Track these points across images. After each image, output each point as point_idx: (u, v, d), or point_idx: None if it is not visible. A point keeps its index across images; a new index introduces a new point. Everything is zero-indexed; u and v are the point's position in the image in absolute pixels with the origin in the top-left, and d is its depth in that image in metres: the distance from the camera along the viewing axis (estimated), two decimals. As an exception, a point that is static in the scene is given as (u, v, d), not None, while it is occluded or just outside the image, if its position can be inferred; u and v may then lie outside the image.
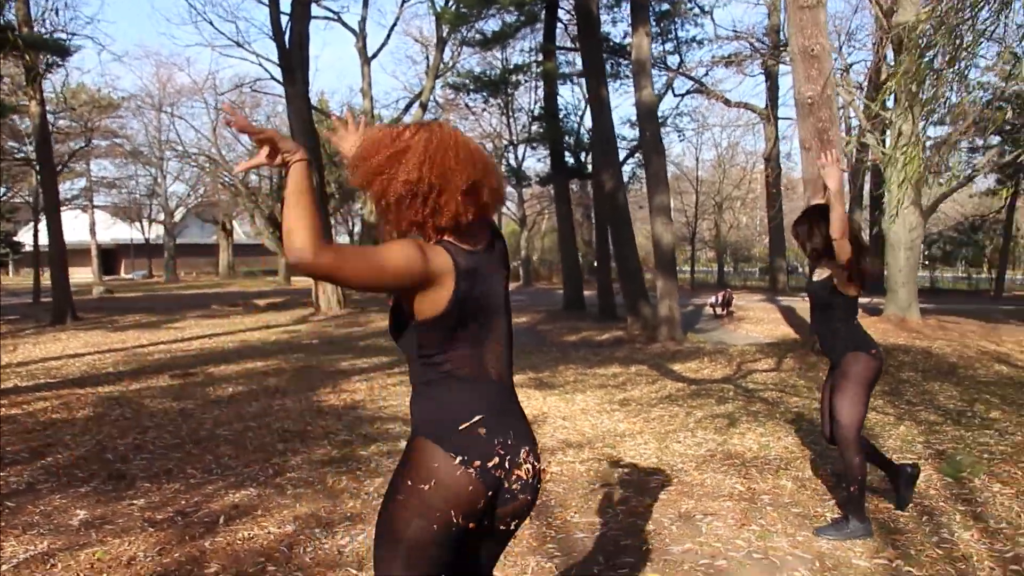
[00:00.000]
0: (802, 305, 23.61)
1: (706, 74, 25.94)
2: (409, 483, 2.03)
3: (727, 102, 27.80)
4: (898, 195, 16.85)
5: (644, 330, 15.37)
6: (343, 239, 40.31)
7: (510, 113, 30.80)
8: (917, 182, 18.27)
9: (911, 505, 4.61)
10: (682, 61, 24.59)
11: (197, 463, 5.83)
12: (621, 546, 4.18)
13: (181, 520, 4.57)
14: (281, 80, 20.98)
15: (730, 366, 11.43)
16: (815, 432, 6.80)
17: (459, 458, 2.01)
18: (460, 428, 2.03)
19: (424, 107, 25.84)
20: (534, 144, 22.37)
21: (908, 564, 3.88)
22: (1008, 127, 22.33)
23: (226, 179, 38.32)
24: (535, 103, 28.83)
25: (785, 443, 6.45)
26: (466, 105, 29.04)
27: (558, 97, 22.23)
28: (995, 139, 23.22)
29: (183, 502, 4.90)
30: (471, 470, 2.00)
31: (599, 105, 15.47)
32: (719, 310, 20.48)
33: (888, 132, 17.22)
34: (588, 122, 20.01)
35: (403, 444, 6.03)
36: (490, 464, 2.03)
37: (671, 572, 3.82)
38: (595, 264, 23.52)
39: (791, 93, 12.59)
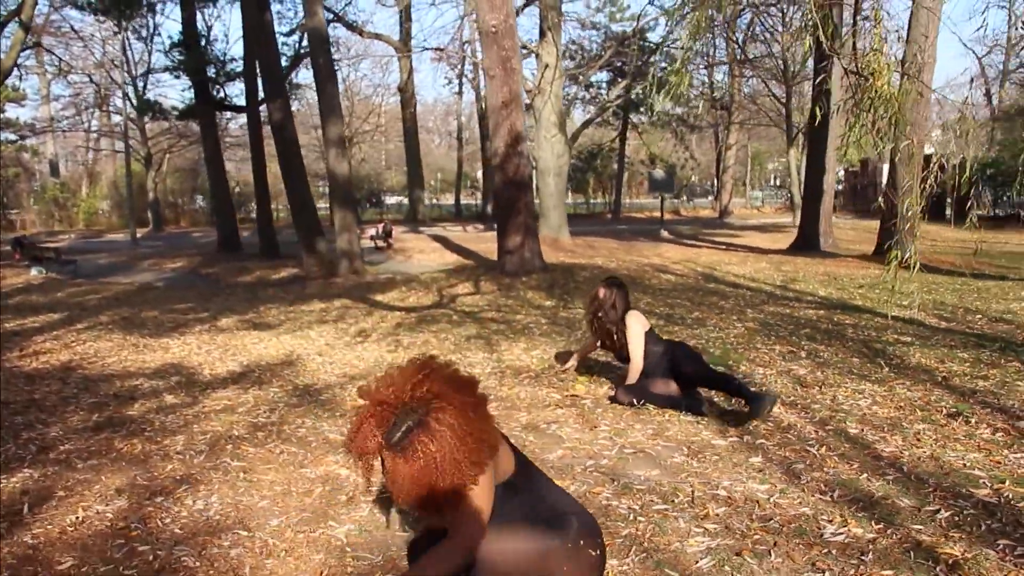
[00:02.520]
0: (451, 234, 24.67)
1: (348, 4, 25.44)
2: None
3: (361, 32, 27.57)
4: (546, 123, 18.20)
5: (322, 265, 15.04)
6: None
7: (137, 39, 27.63)
8: (561, 112, 19.88)
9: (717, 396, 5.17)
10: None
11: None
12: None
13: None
14: None
15: (432, 293, 11.68)
16: (570, 343, 7.29)
17: None
18: None
19: (27, 28, 22.00)
20: (176, 74, 20.31)
21: (753, 437, 4.40)
22: (620, 64, 25.00)
23: None
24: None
25: (555, 354, 6.82)
26: (71, 28, 25.43)
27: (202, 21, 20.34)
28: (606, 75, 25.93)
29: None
30: None
31: (263, 31, 14.53)
32: (380, 242, 20.64)
33: (536, 66, 18.37)
34: (237, 50, 18.61)
35: (167, 399, 5.46)
36: None
37: (568, 476, 3.92)
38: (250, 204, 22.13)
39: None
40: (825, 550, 3.05)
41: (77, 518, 3.62)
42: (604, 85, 28.65)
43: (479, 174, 57.90)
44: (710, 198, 47.73)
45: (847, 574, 2.87)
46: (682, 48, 6.19)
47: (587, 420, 4.85)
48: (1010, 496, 3.50)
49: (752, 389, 4.85)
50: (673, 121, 33.13)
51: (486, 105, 13.11)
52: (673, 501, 3.57)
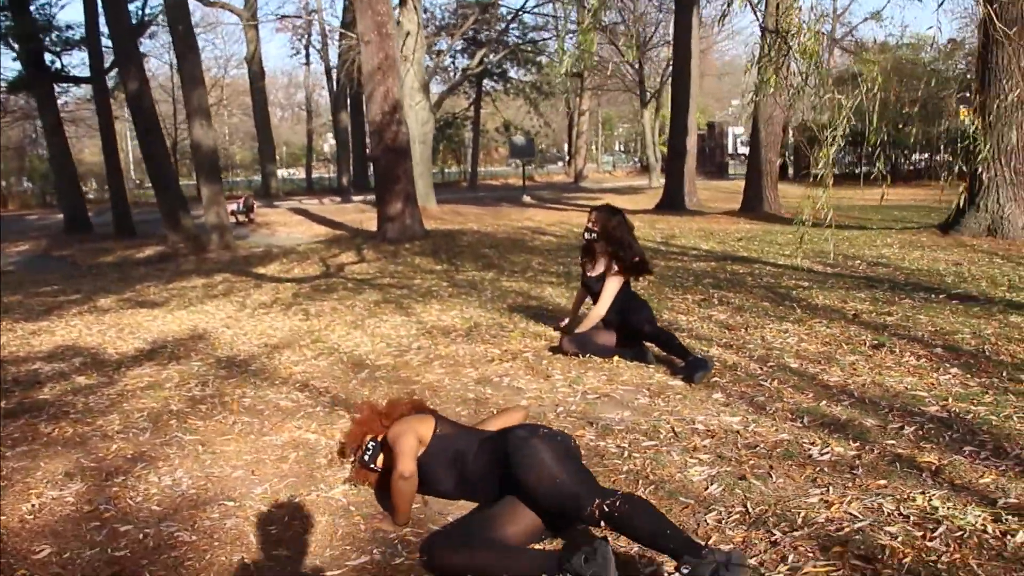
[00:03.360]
0: (310, 207, 24.05)
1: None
2: None
3: (207, 2, 26.21)
4: (410, 91, 17.95)
5: (188, 241, 14.35)
6: None
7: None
8: (424, 80, 19.66)
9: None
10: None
11: None
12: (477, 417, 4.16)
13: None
14: None
15: (315, 263, 11.39)
16: (483, 302, 7.30)
17: None
18: None
19: None
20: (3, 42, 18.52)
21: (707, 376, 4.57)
22: (474, 32, 24.93)
23: None
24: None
25: (475, 313, 6.82)
26: None
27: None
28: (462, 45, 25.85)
29: None
30: None
31: (111, -9, 13.54)
32: (242, 217, 19.88)
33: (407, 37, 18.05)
34: (74, 15, 17.18)
35: (79, 380, 5.10)
36: None
37: (543, 421, 3.94)
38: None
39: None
40: (818, 468, 3.22)
41: (33, 505, 3.35)
42: (457, 54, 28.52)
43: (326, 147, 56.62)
44: (559, 164, 48.62)
45: (847, 486, 3.04)
46: (590, 7, 6.22)
47: (537, 371, 4.89)
48: (957, 411, 3.80)
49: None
50: (527, 88, 33.41)
51: (360, 72, 12.78)
52: (657, 437, 3.67)
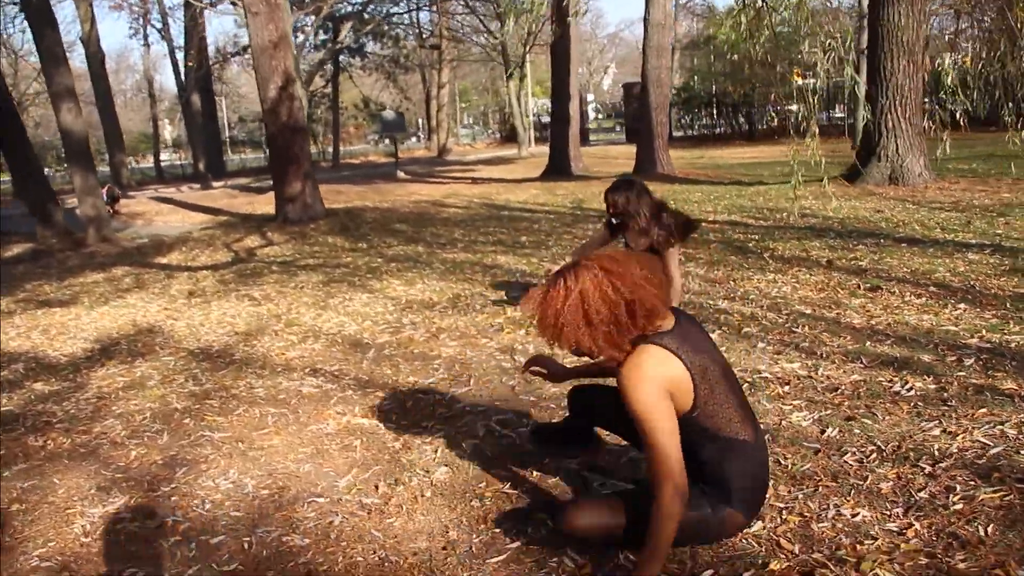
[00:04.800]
0: (175, 195, 22.76)
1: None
2: None
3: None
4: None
5: (63, 236, 13.20)
6: None
7: None
8: (295, 56, 18.82)
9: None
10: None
11: None
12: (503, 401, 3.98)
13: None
14: None
15: (220, 250, 10.74)
16: (449, 276, 7.07)
17: None
18: None
19: None
20: None
21: (730, 328, 4.55)
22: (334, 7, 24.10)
23: None
24: None
25: (443, 286, 6.60)
26: None
27: None
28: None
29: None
30: None
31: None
32: (108, 209, 18.51)
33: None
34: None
35: (37, 387, 4.58)
36: None
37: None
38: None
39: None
40: (913, 404, 3.25)
41: (84, 527, 2.94)
42: (318, 30, 27.46)
43: (166, 133, 53.65)
44: (415, 139, 48.06)
45: (951, 416, 3.07)
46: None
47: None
48: (997, 341, 3.94)
49: None
50: (385, 63, 32.70)
51: (251, 45, 12.07)
52: (749, 381, 3.59)
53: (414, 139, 48.50)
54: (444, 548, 2.54)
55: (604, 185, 14.08)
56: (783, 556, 2.29)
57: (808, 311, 4.77)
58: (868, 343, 4.08)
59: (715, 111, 31.37)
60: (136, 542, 2.79)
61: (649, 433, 2.12)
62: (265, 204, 16.64)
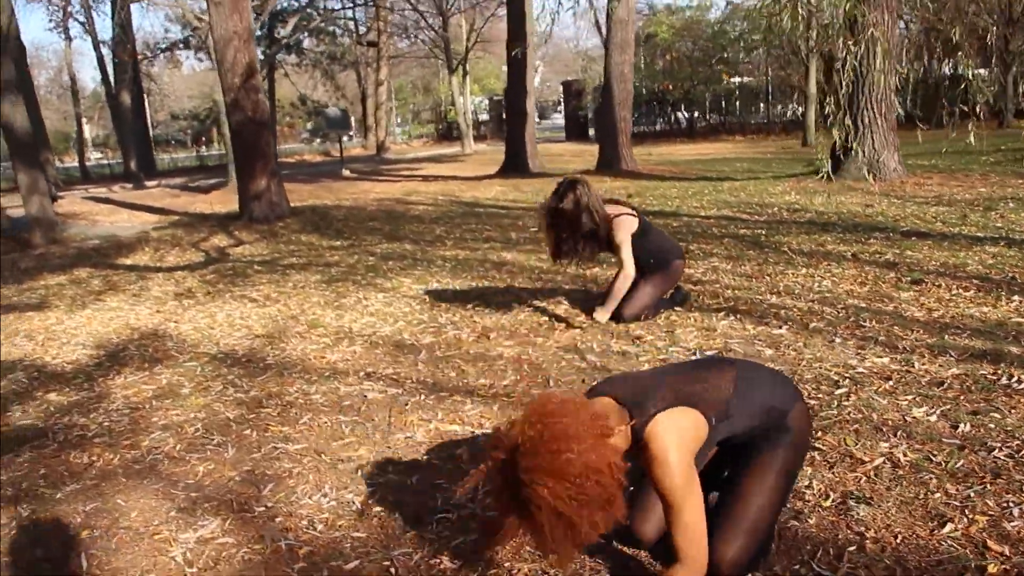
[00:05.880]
0: (111, 196, 21.88)
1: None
2: None
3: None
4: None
5: (7, 240, 12.49)
6: None
7: None
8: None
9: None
10: None
11: None
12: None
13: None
14: None
15: (188, 250, 10.27)
16: (461, 274, 6.85)
17: None
18: None
19: None
20: None
21: (795, 324, 4.46)
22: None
23: None
24: None
25: (461, 283, 6.39)
26: None
27: None
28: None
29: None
30: None
31: None
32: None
33: None
34: None
35: (51, 398, 4.27)
36: None
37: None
38: None
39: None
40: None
41: (185, 555, 2.67)
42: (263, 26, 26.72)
43: (87, 131, 51.60)
44: (348, 137, 47.17)
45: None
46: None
47: (615, 335, 4.58)
48: (1074, 330, 3.92)
49: None
50: (323, 59, 32.08)
51: (213, 36, 11.56)
52: (839, 385, 3.50)
53: (346, 137, 47.63)
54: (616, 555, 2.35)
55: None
56: (994, 558, 2.17)
57: (863, 304, 4.71)
58: (946, 336, 4.02)
59: (656, 109, 31.64)
60: (253, 569, 2.52)
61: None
62: (215, 203, 16.12)
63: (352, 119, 31.93)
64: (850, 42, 5.81)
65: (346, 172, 24.22)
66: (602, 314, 4.70)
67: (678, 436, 2.03)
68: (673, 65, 29.64)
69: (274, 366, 4.57)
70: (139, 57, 29.80)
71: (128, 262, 9.70)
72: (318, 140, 39.97)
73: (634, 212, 4.86)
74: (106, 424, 3.92)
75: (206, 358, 4.87)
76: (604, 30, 17.10)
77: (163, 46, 31.11)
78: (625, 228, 4.73)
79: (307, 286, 6.83)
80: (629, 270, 4.71)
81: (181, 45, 29.37)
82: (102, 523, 2.93)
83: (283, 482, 3.11)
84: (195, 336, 5.46)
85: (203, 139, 37.78)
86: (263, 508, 2.91)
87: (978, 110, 6.18)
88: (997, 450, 2.78)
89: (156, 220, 14.92)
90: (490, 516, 2.39)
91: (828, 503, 2.55)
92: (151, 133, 43.17)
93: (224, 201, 15.91)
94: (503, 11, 22.44)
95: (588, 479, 1.83)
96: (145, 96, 39.14)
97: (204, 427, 3.73)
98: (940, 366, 3.61)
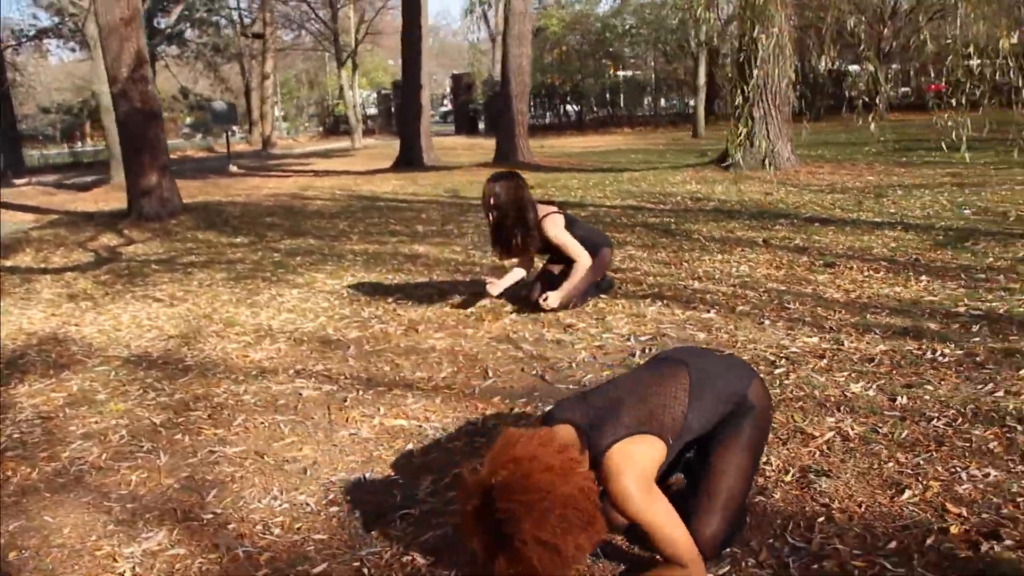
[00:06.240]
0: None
1: None
2: None
3: None
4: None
5: None
6: None
7: None
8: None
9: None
10: None
11: None
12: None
13: None
14: None
15: (73, 250, 9.74)
16: (374, 268, 6.73)
17: None
18: None
19: None
20: None
21: (726, 309, 4.56)
22: None
23: None
24: None
25: (377, 277, 6.27)
26: None
27: None
28: None
29: None
30: None
31: None
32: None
33: None
34: None
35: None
36: None
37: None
38: None
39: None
40: (955, 370, 3.38)
41: (132, 570, 2.51)
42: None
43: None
44: (228, 134, 45.64)
45: (1000, 379, 3.20)
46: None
47: (546, 323, 4.58)
48: (984, 308, 4.17)
49: None
50: (206, 51, 31.00)
51: (98, 23, 10.96)
52: (776, 364, 3.59)
53: (231, 132, 46.13)
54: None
55: (465, 174, 13.96)
56: (953, 520, 2.27)
57: (783, 288, 4.85)
58: (868, 315, 4.19)
59: (546, 102, 31.93)
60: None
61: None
62: (98, 200, 15.39)
63: (237, 113, 30.99)
64: (762, 35, 5.87)
65: (233, 168, 23.51)
66: (555, 299, 4.66)
67: (636, 467, 2.03)
68: (562, 59, 29.96)
69: (195, 367, 4.36)
70: (3, 46, 28.07)
71: (8, 263, 9.10)
72: (200, 135, 38.59)
73: (558, 209, 4.88)
74: (16, 436, 3.65)
75: (118, 361, 4.61)
76: (493, 24, 17.13)
77: (30, 34, 29.29)
78: (557, 224, 4.74)
79: (214, 284, 6.57)
80: (584, 259, 4.71)
81: (51, 34, 27.71)
82: (30, 542, 2.72)
83: (227, 487, 2.96)
84: (101, 339, 5.17)
85: (76, 134, 35.96)
86: (211, 515, 2.76)
87: (877, 102, 6.44)
88: (936, 420, 2.90)
89: (34, 219, 14.07)
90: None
91: (789, 478, 2.61)
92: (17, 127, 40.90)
93: (107, 199, 15.18)
94: (393, 2, 22.22)
95: (567, 508, 1.84)
96: (10, 88, 37.05)
97: (129, 433, 3.53)
98: (868, 343, 3.75)
